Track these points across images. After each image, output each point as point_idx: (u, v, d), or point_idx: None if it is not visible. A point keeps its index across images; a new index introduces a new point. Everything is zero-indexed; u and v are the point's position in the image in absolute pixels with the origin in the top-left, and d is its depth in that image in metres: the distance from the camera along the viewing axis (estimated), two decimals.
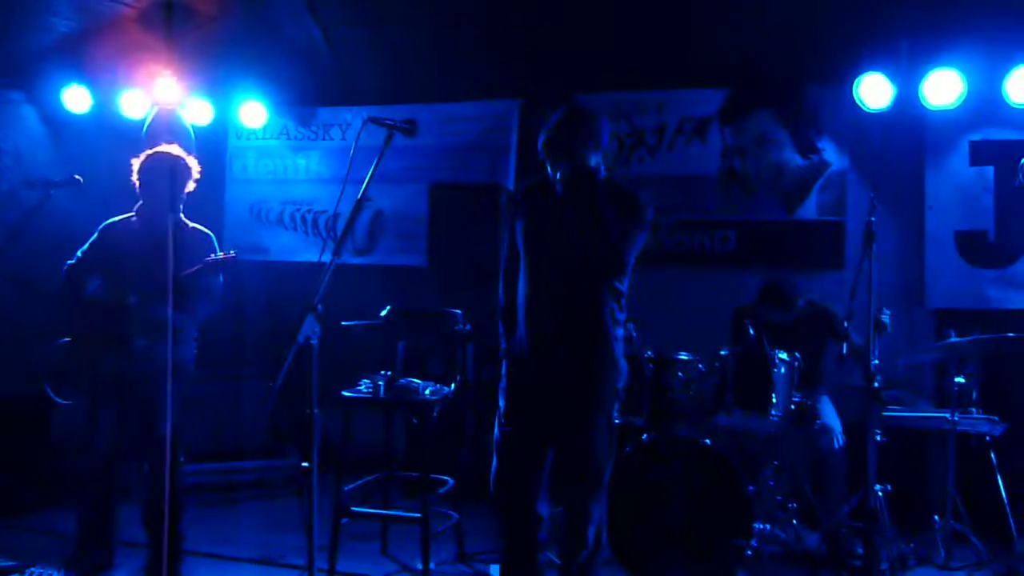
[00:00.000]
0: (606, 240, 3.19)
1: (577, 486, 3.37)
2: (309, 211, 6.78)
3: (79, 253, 4.30)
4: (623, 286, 3.47)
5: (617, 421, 4.61)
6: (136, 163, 4.23)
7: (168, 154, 4.27)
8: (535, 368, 3.41)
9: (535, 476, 3.42)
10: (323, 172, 6.76)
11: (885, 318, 4.45)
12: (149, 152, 4.28)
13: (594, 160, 3.30)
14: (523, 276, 3.45)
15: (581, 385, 3.35)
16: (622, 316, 3.47)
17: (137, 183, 4.21)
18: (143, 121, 5.93)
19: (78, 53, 5.85)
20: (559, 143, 3.28)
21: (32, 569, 3.79)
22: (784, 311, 4.91)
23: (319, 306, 2.62)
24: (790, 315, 4.94)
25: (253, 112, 6.43)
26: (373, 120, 3.13)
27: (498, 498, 3.48)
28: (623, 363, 3.45)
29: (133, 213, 4.29)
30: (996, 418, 4.53)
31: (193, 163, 4.29)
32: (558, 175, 3.29)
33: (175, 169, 4.22)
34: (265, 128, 6.76)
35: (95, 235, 4.31)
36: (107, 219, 4.36)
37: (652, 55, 5.71)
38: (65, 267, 4.28)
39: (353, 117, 6.65)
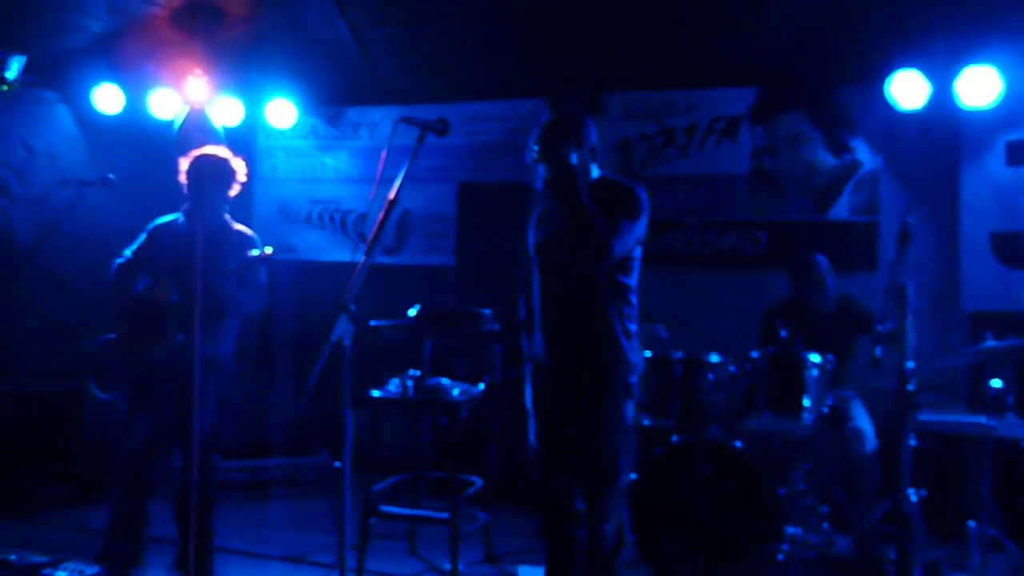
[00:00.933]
0: (592, 229, 3.22)
1: (591, 483, 3.39)
2: (337, 210, 6.81)
3: (128, 252, 4.35)
4: (630, 279, 3.49)
5: (646, 423, 4.65)
6: (184, 164, 4.26)
7: (216, 156, 4.32)
8: (552, 372, 3.47)
9: (569, 479, 3.44)
10: (352, 172, 6.78)
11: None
12: (197, 153, 4.32)
13: (576, 158, 3.34)
14: (535, 282, 3.52)
15: (590, 382, 3.39)
16: (631, 311, 3.49)
17: (185, 184, 4.24)
18: (174, 121, 5.97)
19: (110, 53, 5.90)
20: (542, 147, 3.36)
21: (65, 564, 3.82)
22: (814, 292, 4.88)
23: (352, 306, 2.62)
24: (821, 303, 4.91)
25: (282, 112, 6.45)
26: (407, 120, 3.12)
27: (541, 505, 3.56)
28: (635, 357, 3.46)
29: (180, 214, 4.34)
30: None
31: (239, 165, 4.33)
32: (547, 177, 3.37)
33: (223, 171, 4.27)
34: (294, 128, 6.79)
35: (143, 235, 4.36)
36: (142, 217, 4.42)
37: (682, 54, 5.68)
38: (114, 265, 4.34)
39: (382, 117, 6.67)
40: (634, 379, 3.46)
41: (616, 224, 3.29)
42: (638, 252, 3.49)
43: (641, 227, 3.41)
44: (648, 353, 4.68)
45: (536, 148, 3.39)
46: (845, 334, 4.88)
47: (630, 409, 3.46)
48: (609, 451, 3.37)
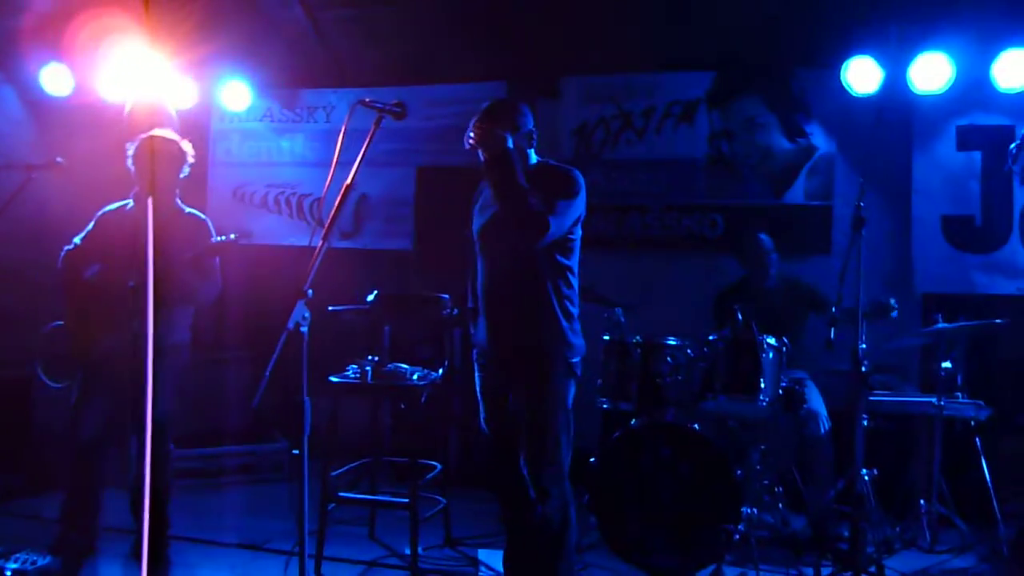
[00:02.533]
0: (526, 207, 3.25)
1: (533, 465, 3.40)
2: (294, 194, 6.73)
3: (76, 239, 4.27)
4: (569, 260, 3.49)
5: (605, 406, 4.67)
6: (131, 148, 4.18)
7: (164, 138, 4.24)
8: (494, 356, 3.50)
9: (518, 464, 3.46)
10: (308, 155, 6.70)
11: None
12: (144, 136, 4.24)
13: (512, 142, 3.36)
14: (479, 267, 3.56)
15: (530, 365, 3.42)
16: (571, 292, 3.51)
17: (133, 168, 4.16)
18: (125, 103, 5.84)
19: (57, 33, 5.75)
20: (477, 132, 3.39)
21: (18, 555, 3.76)
22: (759, 270, 5.06)
23: (309, 291, 2.59)
24: (766, 280, 5.08)
25: (236, 94, 6.35)
26: (364, 103, 3.09)
27: (494, 490, 3.60)
28: (575, 339, 3.48)
29: (130, 199, 4.26)
30: (981, 403, 4.56)
31: (188, 147, 4.26)
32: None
33: (172, 153, 4.20)
34: (249, 110, 6.68)
35: (92, 222, 4.28)
36: (92, 202, 4.34)
37: (641, 37, 5.68)
38: (63, 253, 4.25)
39: (338, 99, 6.59)
40: (575, 360, 3.47)
41: (552, 203, 3.31)
42: (578, 233, 3.49)
43: (578, 206, 3.43)
44: (607, 336, 4.71)
45: (471, 134, 3.41)
46: (792, 311, 5.00)
47: (571, 391, 3.48)
48: (549, 433, 3.39)
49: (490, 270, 3.51)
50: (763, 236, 5.17)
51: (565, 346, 3.44)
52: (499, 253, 3.48)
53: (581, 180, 3.45)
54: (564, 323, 3.44)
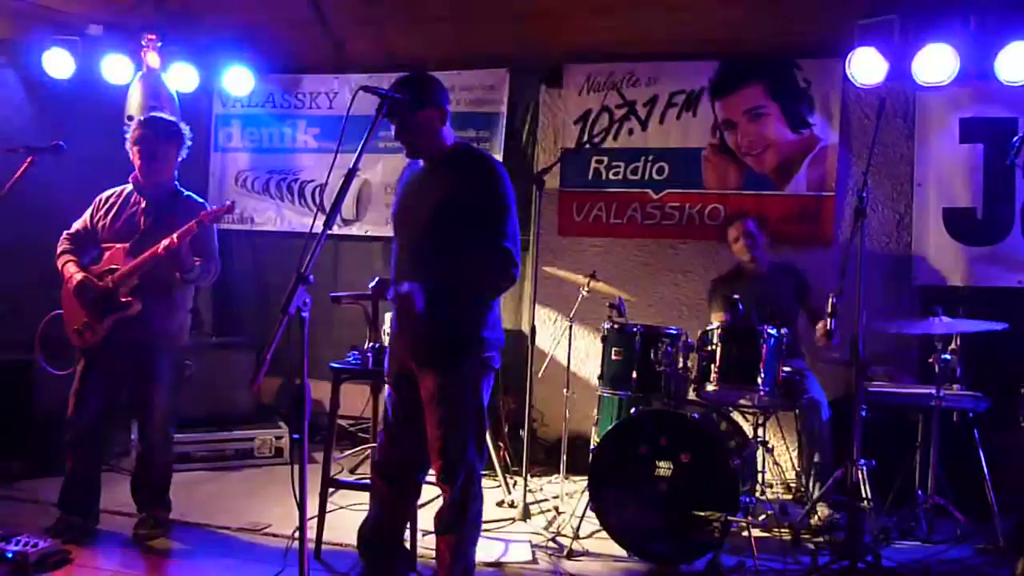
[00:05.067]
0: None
1: (439, 452, 3.33)
2: (296, 180, 6.73)
3: (76, 224, 4.29)
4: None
5: (605, 394, 4.69)
6: (131, 129, 4.19)
7: (163, 118, 4.27)
8: (402, 341, 3.44)
9: (418, 446, 3.44)
10: (310, 141, 6.70)
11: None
12: (143, 118, 4.26)
13: (421, 116, 3.29)
14: (393, 249, 3.50)
15: (437, 353, 3.33)
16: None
17: (132, 150, 4.17)
18: (126, 87, 5.84)
19: (60, 16, 5.73)
20: (391, 111, 3.19)
21: (18, 537, 3.77)
22: (746, 253, 5.15)
23: (310, 277, 2.59)
24: (754, 263, 5.16)
25: (238, 79, 6.33)
26: (366, 89, 3.07)
27: (378, 463, 3.56)
28: (489, 332, 3.37)
29: (129, 183, 4.26)
30: (980, 395, 4.58)
31: (185, 129, 4.27)
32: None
33: (171, 134, 4.21)
34: (250, 96, 6.68)
35: (91, 207, 4.30)
36: (94, 185, 4.38)
37: (645, 26, 5.66)
38: (62, 237, 4.26)
39: (340, 85, 6.59)
40: (489, 354, 3.38)
41: (500, 231, 3.25)
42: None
43: (514, 205, 3.36)
44: (607, 324, 4.73)
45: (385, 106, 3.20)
46: (783, 294, 5.03)
47: (488, 383, 3.40)
48: (457, 427, 3.32)
49: (404, 254, 3.41)
50: (748, 221, 5.26)
51: (477, 338, 3.34)
52: (415, 237, 3.37)
53: (507, 176, 3.35)
54: (479, 314, 3.36)
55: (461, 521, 3.38)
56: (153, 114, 4.37)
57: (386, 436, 3.53)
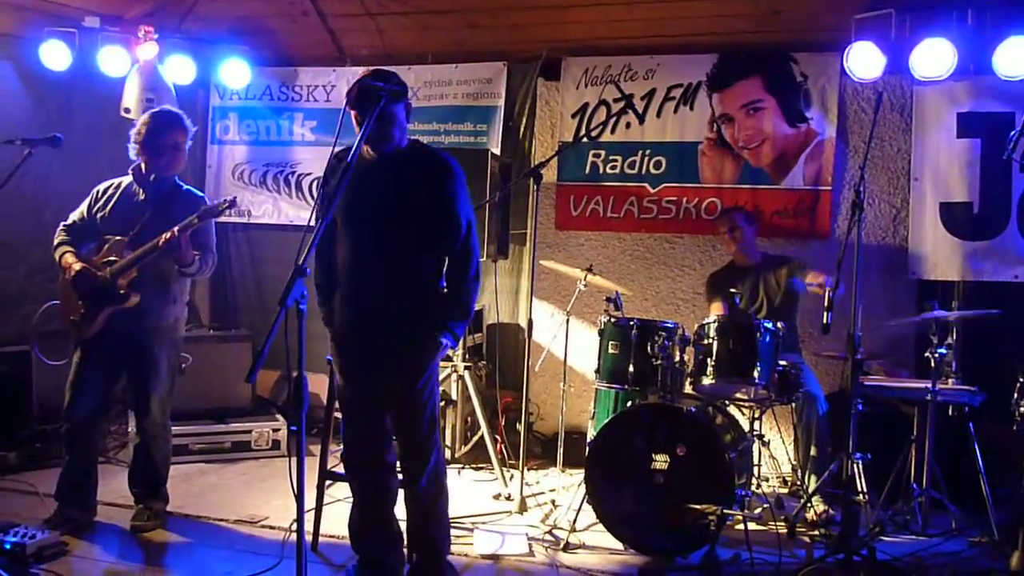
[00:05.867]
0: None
1: (409, 444, 3.50)
2: (293, 173, 6.72)
3: (73, 215, 4.29)
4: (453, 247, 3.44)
5: (601, 388, 4.69)
6: (138, 123, 4.19)
7: (170, 112, 4.27)
8: (359, 337, 3.48)
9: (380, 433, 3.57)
10: (307, 134, 6.69)
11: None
12: (153, 111, 4.26)
13: (400, 111, 3.32)
14: (343, 245, 3.48)
15: (402, 345, 3.42)
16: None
17: (137, 143, 4.17)
18: (123, 79, 5.83)
19: (56, 8, 5.72)
20: (376, 100, 3.18)
21: (16, 529, 3.78)
22: (738, 244, 5.18)
23: (307, 269, 2.59)
24: (747, 254, 5.20)
25: (235, 72, 6.32)
26: (363, 84, 3.07)
27: (346, 457, 3.62)
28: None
29: (128, 175, 4.26)
30: (976, 389, 4.59)
31: (190, 123, 4.28)
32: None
33: (177, 129, 4.20)
34: (247, 88, 6.66)
35: (89, 198, 4.29)
36: (91, 177, 4.37)
37: (642, 20, 5.66)
38: (59, 228, 4.27)
39: (338, 78, 6.58)
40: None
41: (462, 236, 3.39)
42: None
43: (470, 207, 3.47)
44: (604, 318, 4.73)
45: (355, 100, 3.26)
46: (780, 283, 5.03)
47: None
48: (424, 415, 3.46)
49: (358, 250, 3.42)
50: (737, 214, 5.31)
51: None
52: (369, 236, 3.39)
53: (463, 177, 3.44)
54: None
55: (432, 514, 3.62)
56: (163, 107, 4.36)
57: (355, 434, 3.60)
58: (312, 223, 2.93)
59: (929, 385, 4.43)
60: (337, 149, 3.32)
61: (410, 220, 3.36)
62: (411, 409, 3.46)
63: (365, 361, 3.48)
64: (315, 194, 6.57)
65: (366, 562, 3.65)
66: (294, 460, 2.55)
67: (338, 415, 3.78)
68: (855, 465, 4.06)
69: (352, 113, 3.25)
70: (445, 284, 3.47)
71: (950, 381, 4.72)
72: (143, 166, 4.21)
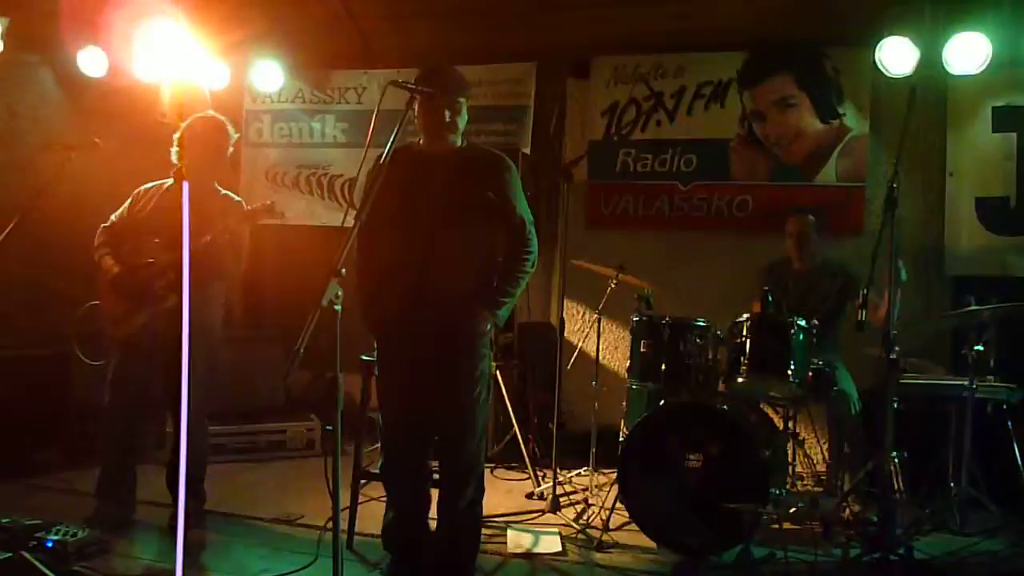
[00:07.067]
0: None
1: (460, 459, 3.49)
2: (325, 175, 6.77)
3: (113, 217, 4.35)
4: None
5: (634, 386, 4.69)
6: (184, 126, 4.24)
7: (215, 118, 4.32)
8: (415, 341, 3.45)
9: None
10: (339, 136, 6.74)
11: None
12: (198, 116, 4.31)
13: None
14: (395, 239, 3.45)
15: (462, 347, 3.45)
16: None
17: (181, 146, 4.22)
18: (159, 84, 5.91)
19: (93, 15, 5.81)
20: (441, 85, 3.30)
21: (57, 527, 3.84)
22: (800, 248, 5.04)
23: (342, 270, 2.62)
24: (807, 259, 5.05)
25: (268, 75, 6.39)
26: (395, 84, 3.10)
27: (385, 464, 3.62)
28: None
29: (170, 178, 4.32)
30: (1014, 386, 4.53)
31: (232, 129, 4.32)
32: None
33: (221, 134, 4.25)
34: (280, 91, 6.73)
35: (129, 200, 4.35)
36: (128, 181, 4.42)
37: (672, 17, 5.65)
38: (99, 230, 4.33)
39: (369, 80, 6.62)
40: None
41: (526, 227, 3.48)
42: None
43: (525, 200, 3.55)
44: (636, 316, 4.72)
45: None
46: (830, 295, 4.95)
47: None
48: (479, 422, 3.50)
49: (416, 245, 3.39)
50: (805, 217, 5.13)
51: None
52: (428, 231, 3.38)
53: (517, 171, 3.51)
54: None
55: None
56: (204, 113, 4.40)
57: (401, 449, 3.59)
58: (346, 224, 2.95)
59: (966, 382, 4.38)
60: (401, 143, 3.24)
61: (471, 215, 3.40)
62: (459, 420, 3.44)
63: (415, 362, 3.46)
64: (347, 196, 6.62)
65: (400, 561, 3.67)
66: (329, 459, 2.57)
67: (372, 415, 3.80)
68: (892, 463, 4.02)
69: (423, 95, 3.23)
70: (508, 270, 3.52)
71: (988, 378, 4.66)
72: (185, 171, 4.26)
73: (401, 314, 3.45)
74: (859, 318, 4.01)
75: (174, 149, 4.24)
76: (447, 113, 3.32)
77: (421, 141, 3.45)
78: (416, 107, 3.28)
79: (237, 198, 4.40)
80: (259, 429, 5.70)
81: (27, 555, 3.37)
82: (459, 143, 3.44)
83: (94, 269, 4.32)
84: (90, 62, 5.82)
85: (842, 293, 5.00)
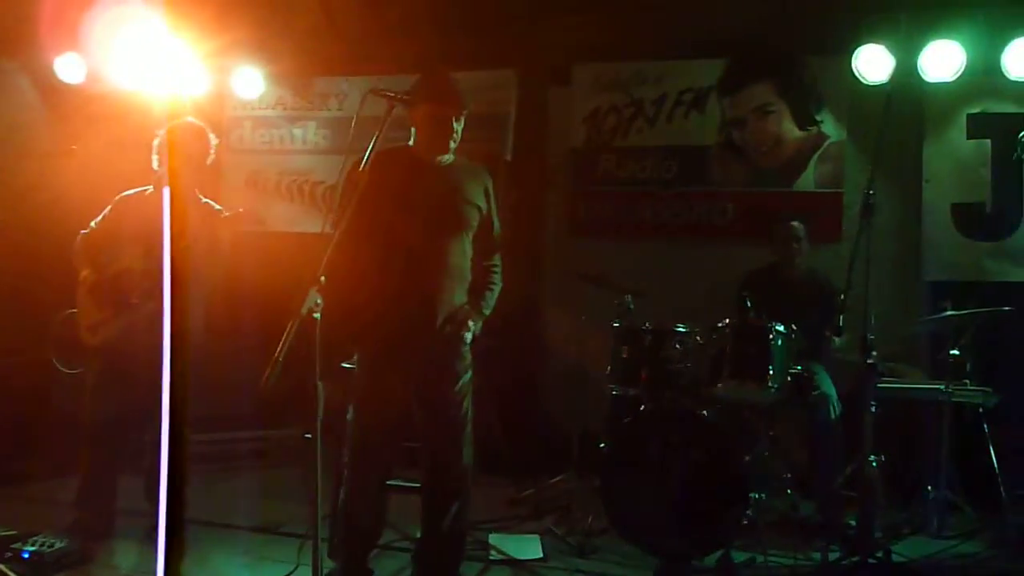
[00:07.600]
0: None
1: (450, 456, 3.62)
2: (306, 181, 6.76)
3: (92, 224, 4.33)
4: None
5: (615, 392, 4.70)
6: (161, 133, 4.23)
7: (195, 125, 4.29)
8: (406, 339, 3.52)
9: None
10: (320, 143, 6.73)
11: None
12: (175, 122, 4.29)
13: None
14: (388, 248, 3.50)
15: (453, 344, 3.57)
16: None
17: (159, 154, 4.20)
18: (138, 90, 5.87)
19: (71, 21, 5.78)
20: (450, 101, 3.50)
21: (35, 538, 3.81)
22: (788, 256, 5.02)
23: (322, 278, 2.62)
24: (794, 268, 5.05)
25: (249, 82, 6.37)
26: (375, 92, 3.11)
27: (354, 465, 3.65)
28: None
29: (151, 185, 4.30)
30: (990, 390, 4.57)
31: (212, 136, 4.31)
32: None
33: (201, 140, 4.24)
34: (261, 98, 6.71)
35: (109, 208, 4.33)
36: (108, 188, 4.40)
37: (651, 25, 5.68)
38: (78, 237, 4.31)
39: (350, 87, 6.61)
40: None
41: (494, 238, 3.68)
42: None
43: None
44: (617, 323, 4.74)
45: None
46: (814, 304, 4.97)
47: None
48: (468, 419, 3.66)
49: (412, 254, 3.46)
50: (795, 223, 5.11)
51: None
52: (425, 240, 3.47)
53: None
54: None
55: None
56: (183, 120, 4.39)
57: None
58: (325, 231, 2.95)
59: (943, 386, 4.42)
60: (383, 147, 3.20)
61: (467, 224, 3.54)
62: (446, 432, 3.53)
63: (402, 369, 3.51)
64: (328, 202, 6.60)
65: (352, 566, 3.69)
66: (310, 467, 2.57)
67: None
68: (869, 467, 4.05)
69: (423, 107, 3.40)
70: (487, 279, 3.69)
71: (965, 382, 4.70)
72: (164, 178, 4.24)
73: (394, 321, 3.48)
74: (835, 323, 4.05)
75: (154, 156, 4.23)
76: (455, 125, 3.34)
77: (414, 147, 3.46)
78: (415, 115, 3.31)
79: (218, 206, 4.38)
80: (238, 437, 5.66)
81: (3, 567, 3.34)
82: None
83: (73, 276, 4.30)
84: (68, 69, 5.78)
85: (827, 306, 4.99)
